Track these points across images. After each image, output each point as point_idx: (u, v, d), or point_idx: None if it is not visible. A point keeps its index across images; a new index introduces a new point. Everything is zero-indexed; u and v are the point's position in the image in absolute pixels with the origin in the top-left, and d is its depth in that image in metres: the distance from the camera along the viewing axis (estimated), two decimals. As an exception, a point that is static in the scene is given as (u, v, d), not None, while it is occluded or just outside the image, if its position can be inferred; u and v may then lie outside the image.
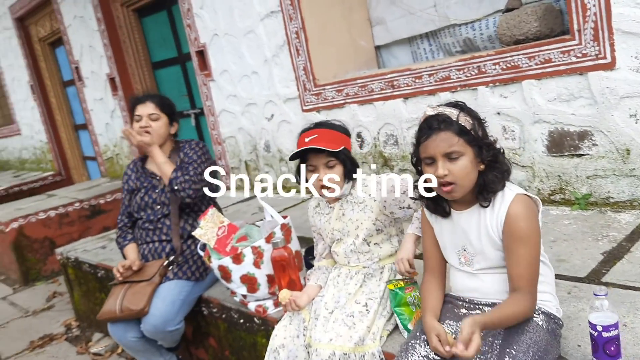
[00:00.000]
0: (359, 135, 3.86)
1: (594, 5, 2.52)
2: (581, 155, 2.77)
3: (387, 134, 3.66)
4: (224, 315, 2.69)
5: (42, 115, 8.51)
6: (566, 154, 2.82)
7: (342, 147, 2.00)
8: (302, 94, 4.11)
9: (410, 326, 1.91)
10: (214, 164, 2.88)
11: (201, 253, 2.52)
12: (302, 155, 2.07)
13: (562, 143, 2.83)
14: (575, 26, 2.60)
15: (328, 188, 2.02)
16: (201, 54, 4.91)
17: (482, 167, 1.65)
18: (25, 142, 9.70)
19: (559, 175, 2.88)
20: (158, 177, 2.89)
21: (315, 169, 2.03)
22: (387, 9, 4.12)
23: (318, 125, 2.10)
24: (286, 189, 4.57)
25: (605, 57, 2.55)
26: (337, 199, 2.12)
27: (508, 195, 1.65)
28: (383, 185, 2.04)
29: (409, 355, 1.69)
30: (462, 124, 1.61)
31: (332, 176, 1.99)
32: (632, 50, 2.46)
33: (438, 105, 1.69)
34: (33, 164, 9.68)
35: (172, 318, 2.64)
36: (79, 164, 8.53)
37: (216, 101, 4.95)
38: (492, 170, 1.65)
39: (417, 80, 3.37)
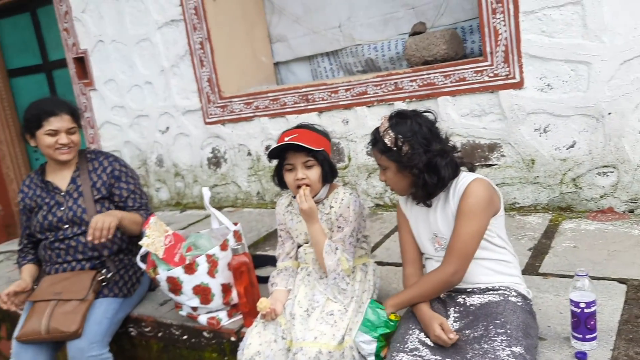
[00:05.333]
0: (267, 148, 3.84)
1: (505, 31, 2.84)
2: (490, 165, 3.08)
3: (298, 147, 3.70)
4: (159, 334, 2.48)
5: None
6: (477, 164, 3.11)
7: (322, 148, 2.00)
8: (205, 106, 3.99)
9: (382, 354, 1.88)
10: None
11: (142, 265, 2.30)
12: (281, 155, 2.03)
13: (473, 154, 3.11)
14: (488, 49, 2.91)
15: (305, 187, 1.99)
16: (80, 60, 4.53)
17: (416, 173, 1.79)
18: None
19: (470, 184, 3.15)
20: (63, 192, 2.58)
21: (293, 168, 2.01)
22: (289, 27, 4.20)
23: (299, 126, 2.08)
24: (181, 205, 4.37)
25: (514, 77, 2.88)
26: None
27: (467, 179, 1.82)
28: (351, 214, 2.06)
29: (407, 343, 1.73)
30: (385, 142, 1.79)
31: (309, 174, 1.99)
32: (538, 72, 2.82)
33: (388, 116, 1.85)
34: None
35: (99, 340, 2.35)
36: None
37: (97, 112, 4.58)
38: (416, 182, 1.80)
39: (333, 95, 3.47)
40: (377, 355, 1.85)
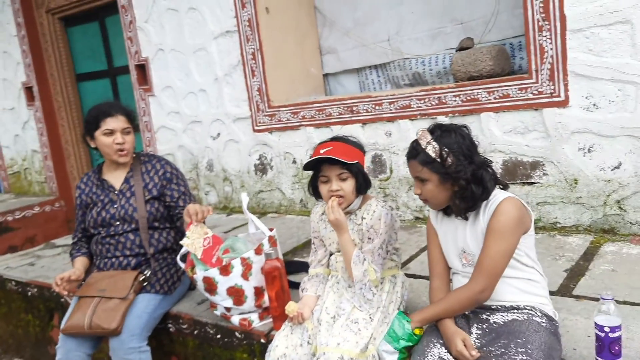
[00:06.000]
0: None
1: (551, 49, 2.82)
2: (532, 183, 3.04)
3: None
4: (195, 331, 2.59)
5: None
6: (518, 181, 3.08)
7: (356, 161, 2.06)
8: (254, 114, 4.13)
9: None
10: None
11: (181, 264, 2.42)
12: (316, 167, 2.10)
13: (515, 172, 3.09)
14: (533, 66, 2.89)
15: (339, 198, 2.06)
16: (141, 68, 4.77)
17: (456, 188, 1.81)
18: None
19: (511, 202, 3.13)
20: (117, 191, 2.74)
21: (328, 180, 2.07)
22: (340, 40, 4.29)
23: (334, 138, 2.15)
24: (228, 209, 4.52)
25: (559, 96, 2.84)
26: (345, 212, 2.16)
27: (499, 197, 1.83)
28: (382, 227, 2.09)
29: (427, 356, 1.76)
30: (429, 153, 1.80)
31: (344, 186, 2.05)
32: (583, 90, 2.78)
33: (427, 128, 1.87)
34: None
35: (138, 333, 2.48)
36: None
37: (155, 117, 4.81)
38: (461, 193, 1.81)
39: (377, 107, 3.52)
40: None
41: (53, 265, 3.70)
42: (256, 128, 4.15)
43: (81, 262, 2.76)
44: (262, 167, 4.25)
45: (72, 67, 5.91)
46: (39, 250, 4.17)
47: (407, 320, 1.90)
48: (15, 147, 6.44)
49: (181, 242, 2.34)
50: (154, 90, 4.73)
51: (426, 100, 3.31)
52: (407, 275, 2.57)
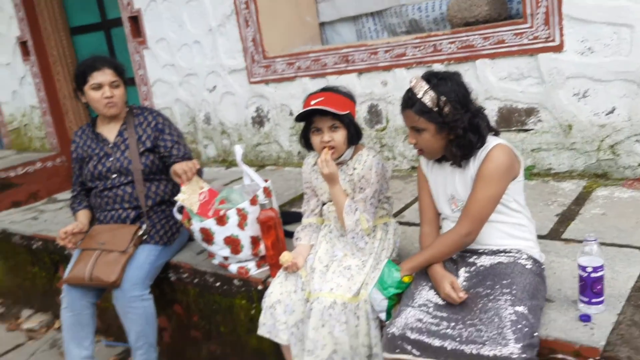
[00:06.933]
0: (308, 109, 3.92)
1: (547, -8, 2.77)
2: (527, 130, 3.05)
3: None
4: (195, 280, 2.67)
5: None
6: (513, 128, 3.08)
7: (347, 111, 2.07)
8: (249, 66, 4.09)
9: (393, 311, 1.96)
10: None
11: (178, 216, 2.47)
12: (308, 118, 2.11)
13: (510, 119, 3.09)
14: (529, 10, 2.84)
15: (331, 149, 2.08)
16: (134, 20, 4.70)
17: (452, 137, 1.82)
18: None
19: (505, 149, 3.14)
20: (111, 144, 2.76)
21: (319, 131, 2.09)
22: (335, -14, 4.20)
23: (325, 89, 2.15)
24: (226, 162, 4.55)
25: (554, 40, 2.81)
26: (337, 163, 2.18)
27: (489, 144, 1.84)
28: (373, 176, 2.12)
29: (415, 299, 1.82)
30: (426, 103, 1.78)
31: (335, 137, 2.07)
32: (579, 35, 2.74)
33: (422, 76, 1.84)
34: None
35: (140, 282, 2.55)
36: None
37: (150, 70, 4.77)
38: (458, 142, 1.81)
39: (372, 56, 3.49)
40: (388, 312, 1.94)
41: (55, 219, 3.76)
42: (252, 80, 4.13)
43: (84, 214, 2.81)
44: (259, 120, 4.25)
45: (66, 20, 5.82)
46: (42, 205, 4.23)
47: (397, 269, 1.94)
48: (13, 103, 6.42)
49: (176, 198, 2.38)
50: (148, 43, 4.68)
51: (421, 48, 3.27)
52: (402, 223, 2.62)
